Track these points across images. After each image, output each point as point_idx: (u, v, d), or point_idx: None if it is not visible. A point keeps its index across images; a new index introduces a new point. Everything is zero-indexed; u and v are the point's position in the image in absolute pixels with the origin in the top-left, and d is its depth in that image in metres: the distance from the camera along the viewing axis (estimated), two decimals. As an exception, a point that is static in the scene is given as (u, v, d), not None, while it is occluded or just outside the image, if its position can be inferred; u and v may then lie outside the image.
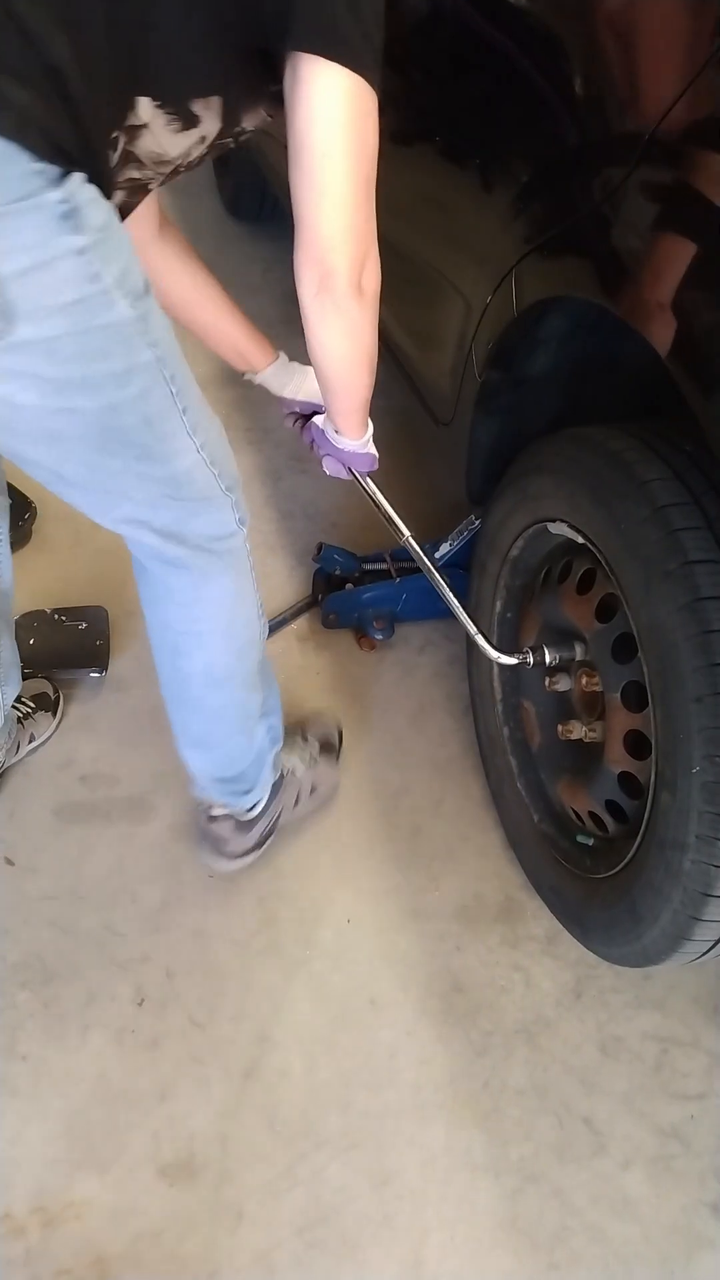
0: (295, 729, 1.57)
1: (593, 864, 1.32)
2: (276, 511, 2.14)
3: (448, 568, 1.85)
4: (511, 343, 1.30)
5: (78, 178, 0.79)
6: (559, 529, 1.28)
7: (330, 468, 1.36)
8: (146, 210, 1.20)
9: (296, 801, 1.52)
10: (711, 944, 1.11)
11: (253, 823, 1.45)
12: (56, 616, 1.83)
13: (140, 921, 1.44)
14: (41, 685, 1.68)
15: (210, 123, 0.98)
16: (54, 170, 0.77)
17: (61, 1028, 1.32)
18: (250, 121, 1.01)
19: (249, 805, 1.43)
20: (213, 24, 0.89)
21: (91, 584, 1.89)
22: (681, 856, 1.06)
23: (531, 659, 1.35)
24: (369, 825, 1.59)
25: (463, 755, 1.71)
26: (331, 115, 0.92)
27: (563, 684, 1.39)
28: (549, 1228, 1.18)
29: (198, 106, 0.94)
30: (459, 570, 1.82)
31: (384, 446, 1.35)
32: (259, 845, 1.48)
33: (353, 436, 1.26)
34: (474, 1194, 1.20)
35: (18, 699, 1.62)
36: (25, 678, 1.61)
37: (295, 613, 1.90)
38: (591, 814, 1.34)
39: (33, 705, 1.63)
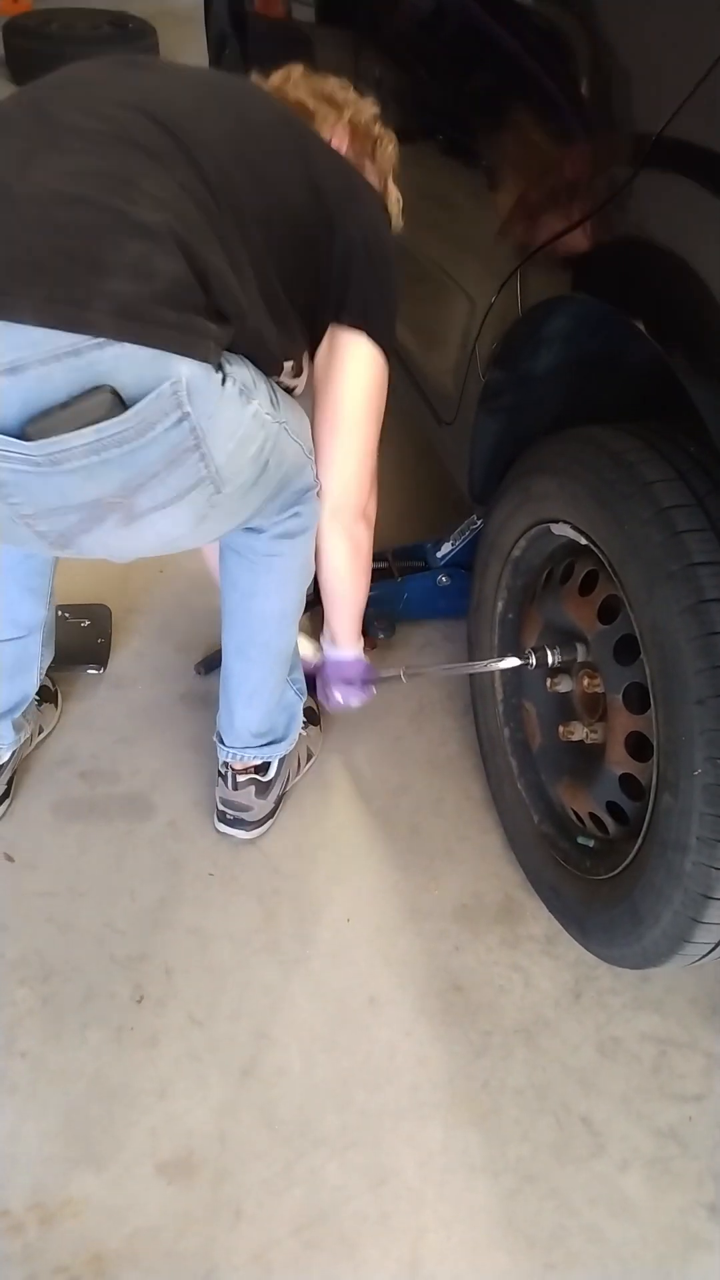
0: None
1: (593, 865, 1.32)
2: (278, 509, 2.13)
3: (449, 567, 1.85)
4: (515, 342, 1.30)
5: (230, 356, 1.01)
6: (561, 530, 1.28)
7: (339, 696, 1.60)
8: None
9: (299, 766, 1.62)
10: (712, 946, 1.11)
11: (269, 785, 1.52)
12: (60, 613, 1.83)
13: (139, 919, 1.43)
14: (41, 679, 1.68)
15: (306, 379, 1.28)
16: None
17: (60, 1025, 1.31)
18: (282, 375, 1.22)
19: (279, 755, 1.51)
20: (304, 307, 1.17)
21: (94, 579, 1.89)
22: (683, 858, 1.06)
23: (534, 660, 1.35)
24: (368, 824, 1.59)
25: (462, 755, 1.71)
26: (362, 384, 1.25)
27: (564, 685, 1.38)
28: (546, 1228, 1.18)
29: (289, 371, 1.21)
30: (460, 570, 1.82)
31: (386, 444, 1.35)
32: (273, 812, 1.55)
33: (348, 644, 1.53)
34: (472, 1194, 1.20)
35: None
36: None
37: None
38: (592, 815, 1.34)
39: (38, 698, 1.63)
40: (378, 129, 1.33)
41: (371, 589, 1.82)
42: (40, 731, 1.64)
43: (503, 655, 1.42)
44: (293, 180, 1.12)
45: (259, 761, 1.50)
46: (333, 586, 1.42)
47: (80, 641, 1.75)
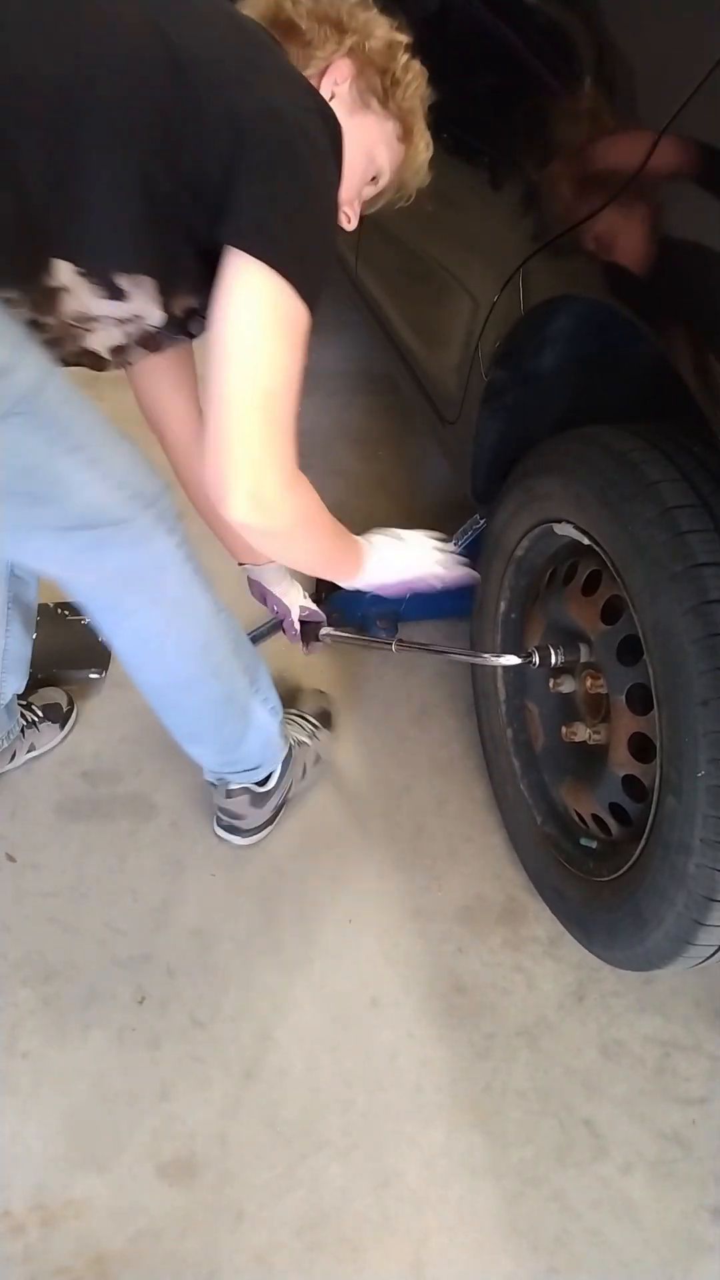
0: (292, 707, 1.63)
1: (596, 867, 1.31)
2: (281, 509, 2.13)
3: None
4: (518, 342, 1.29)
5: None
6: (565, 530, 1.27)
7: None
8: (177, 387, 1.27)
9: (304, 773, 1.57)
10: (715, 949, 1.11)
11: (267, 795, 1.48)
12: (60, 611, 1.83)
13: (141, 919, 1.43)
14: (55, 695, 1.66)
15: (143, 303, 0.98)
16: None
17: (62, 1025, 1.31)
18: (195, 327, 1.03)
19: (262, 779, 1.46)
20: (142, 203, 0.91)
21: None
22: (686, 860, 1.05)
23: (537, 658, 1.34)
24: (371, 825, 1.59)
25: (465, 756, 1.70)
26: (248, 316, 0.92)
27: (567, 686, 1.38)
28: (549, 1231, 1.17)
29: (123, 281, 0.95)
30: (464, 570, 1.81)
31: (390, 444, 1.34)
32: (273, 819, 1.53)
33: (349, 577, 1.24)
34: (474, 1196, 1.20)
35: (28, 706, 1.61)
36: (38, 683, 1.60)
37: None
38: (595, 817, 1.33)
39: (40, 715, 1.62)
40: (398, 61, 1.11)
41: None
42: (31, 750, 1.61)
43: (505, 652, 1.41)
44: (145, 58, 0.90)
45: (242, 785, 1.47)
46: (298, 568, 1.19)
47: (81, 641, 1.75)
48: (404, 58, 1.11)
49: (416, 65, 1.13)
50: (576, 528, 1.23)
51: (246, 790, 1.46)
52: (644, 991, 1.40)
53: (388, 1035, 1.33)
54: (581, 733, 1.34)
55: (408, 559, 1.29)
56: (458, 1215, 1.18)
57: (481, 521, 1.72)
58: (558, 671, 1.39)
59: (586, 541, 1.21)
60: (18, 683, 1.50)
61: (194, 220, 0.93)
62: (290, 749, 1.52)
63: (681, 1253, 1.16)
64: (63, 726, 1.64)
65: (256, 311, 0.92)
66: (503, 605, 1.49)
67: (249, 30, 1.01)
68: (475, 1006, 1.37)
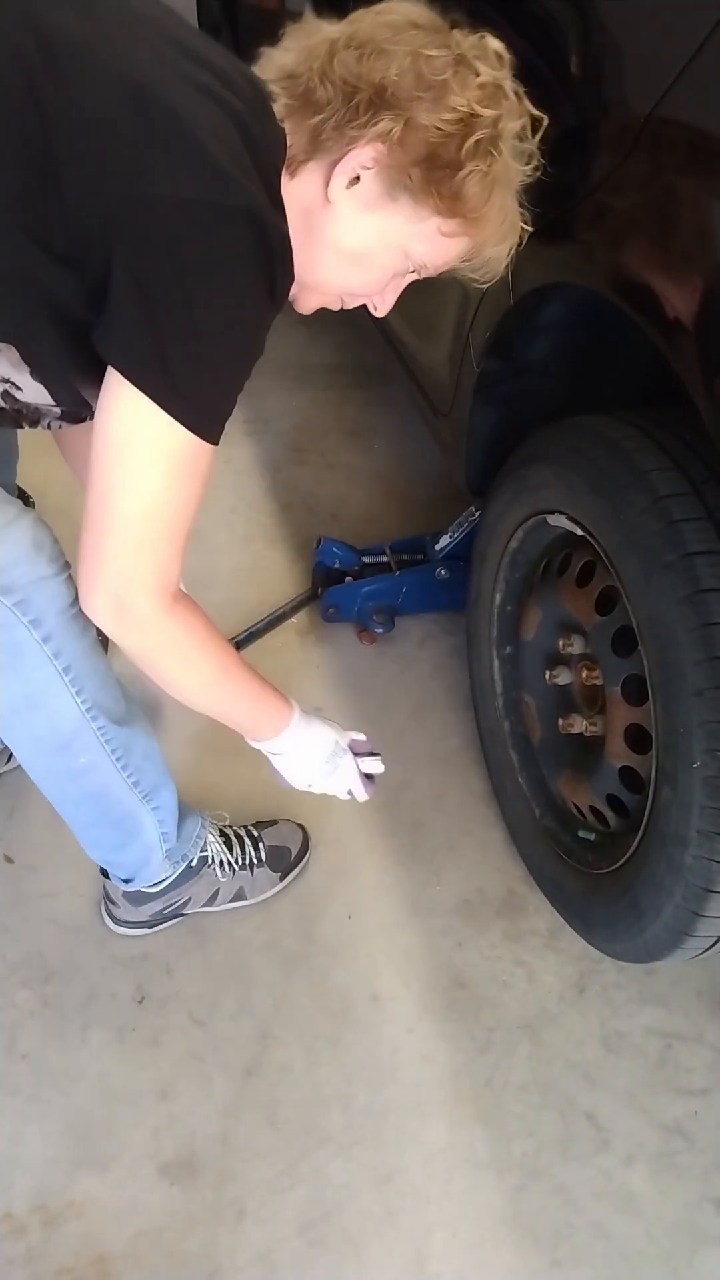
0: (251, 827, 1.46)
1: (594, 859, 1.31)
2: (275, 503, 2.13)
3: (448, 560, 1.84)
4: (509, 331, 1.28)
5: None
6: (558, 520, 1.26)
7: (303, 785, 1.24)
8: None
9: (213, 899, 1.40)
10: (714, 940, 1.10)
11: (147, 898, 1.36)
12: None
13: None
14: None
15: (12, 371, 0.90)
16: None
17: (61, 1026, 1.31)
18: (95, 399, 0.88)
19: (132, 889, 1.35)
20: (8, 281, 0.83)
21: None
22: (683, 852, 1.05)
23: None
24: (370, 819, 1.59)
25: (464, 749, 1.69)
26: (119, 438, 0.84)
27: (563, 677, 1.37)
28: (552, 1225, 1.17)
29: None
30: (459, 562, 1.80)
31: (386, 437, 1.33)
32: (150, 925, 1.39)
33: (261, 736, 1.14)
34: (476, 1191, 1.19)
35: None
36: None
37: (294, 607, 1.89)
38: (593, 809, 1.32)
39: None
40: (466, 142, 0.84)
41: (370, 583, 1.83)
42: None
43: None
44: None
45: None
46: (188, 702, 1.06)
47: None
48: (479, 134, 0.85)
49: (505, 141, 0.87)
50: (570, 518, 1.22)
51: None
52: (645, 983, 1.39)
53: (388, 1031, 1.33)
54: (578, 725, 1.33)
55: (324, 767, 1.20)
56: (460, 1210, 1.18)
57: (476, 514, 1.71)
58: (554, 663, 1.38)
59: (580, 532, 1.20)
60: None
61: (61, 295, 0.83)
62: (192, 865, 1.37)
63: (684, 1244, 1.16)
64: None
65: (128, 436, 0.83)
66: (498, 598, 1.48)
67: (198, 80, 0.83)
68: (476, 1000, 1.37)
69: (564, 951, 1.42)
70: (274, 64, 0.90)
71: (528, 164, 0.91)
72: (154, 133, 0.78)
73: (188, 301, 0.79)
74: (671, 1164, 1.22)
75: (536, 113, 0.90)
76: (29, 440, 1.24)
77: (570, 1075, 1.30)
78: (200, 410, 0.84)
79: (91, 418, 0.89)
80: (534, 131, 0.90)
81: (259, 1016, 1.33)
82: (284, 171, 0.89)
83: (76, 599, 1.01)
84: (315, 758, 1.19)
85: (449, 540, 1.83)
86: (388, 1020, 1.34)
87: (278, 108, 0.88)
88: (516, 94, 0.88)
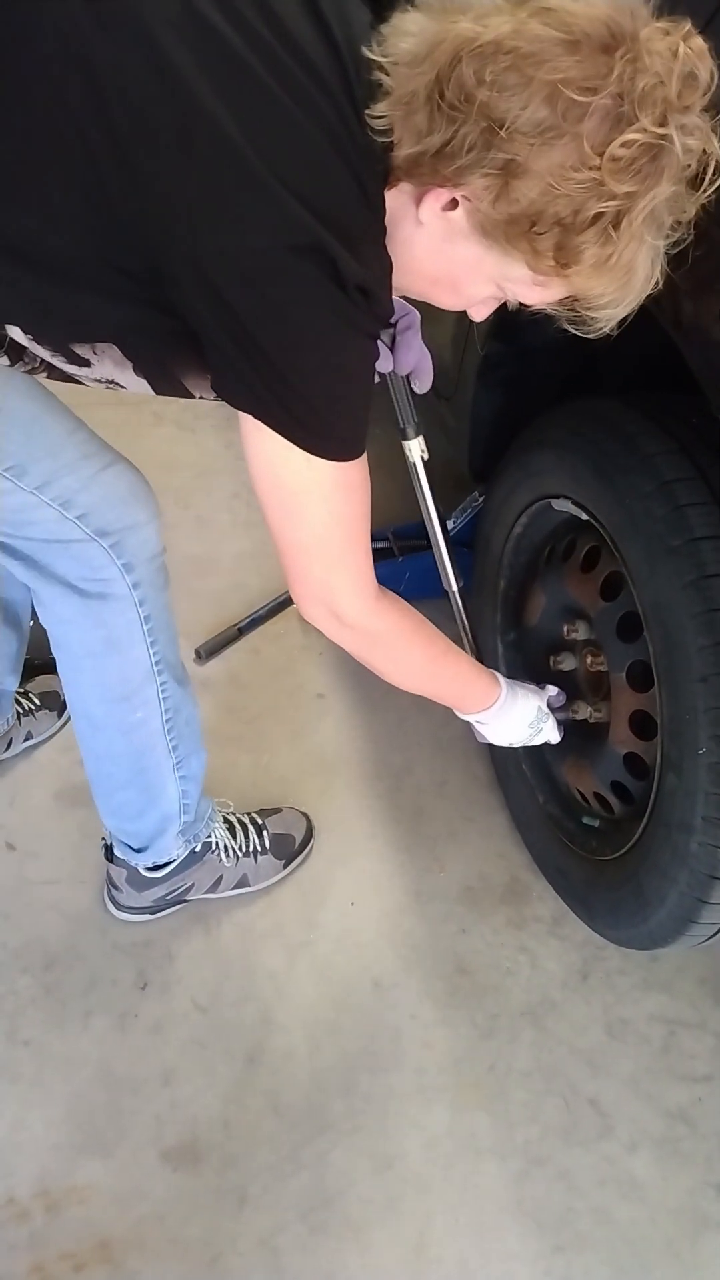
0: (255, 814, 1.46)
1: (598, 846, 1.30)
2: (278, 490, 2.11)
3: (452, 545, 1.82)
4: (513, 313, 1.26)
5: None
6: (563, 505, 1.25)
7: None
8: None
9: (216, 886, 1.40)
10: (718, 927, 1.10)
11: (150, 882, 1.36)
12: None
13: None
14: (53, 683, 1.63)
15: (111, 367, 0.90)
16: None
17: (63, 1013, 1.31)
18: (198, 388, 0.90)
19: (144, 864, 1.34)
20: (98, 291, 0.82)
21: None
22: (688, 839, 1.04)
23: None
24: (372, 806, 1.58)
25: (466, 736, 1.68)
26: (267, 473, 0.86)
27: (567, 663, 1.36)
28: (555, 1210, 1.17)
29: (83, 350, 0.89)
30: (463, 548, 1.79)
31: (388, 422, 1.31)
32: (153, 911, 1.39)
33: (474, 709, 1.22)
34: (479, 1177, 1.19)
35: (24, 693, 1.59)
36: (35, 669, 1.59)
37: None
38: (597, 795, 1.32)
39: (37, 702, 1.60)
40: (587, 207, 0.70)
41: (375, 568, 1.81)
42: (28, 738, 1.58)
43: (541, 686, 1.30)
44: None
45: (124, 858, 1.35)
46: (406, 686, 1.13)
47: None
48: (601, 208, 0.70)
49: (639, 217, 0.71)
50: (574, 503, 1.21)
51: (130, 866, 1.35)
52: (649, 970, 1.39)
53: (390, 1017, 1.33)
54: (583, 711, 1.32)
55: (527, 731, 1.25)
56: (461, 1196, 1.18)
57: (480, 498, 1.70)
58: (558, 649, 1.37)
59: (585, 517, 1.19)
60: (12, 680, 1.48)
61: (149, 309, 0.82)
62: (195, 851, 1.37)
63: (686, 1229, 1.16)
64: (60, 714, 1.63)
65: (277, 474, 0.85)
66: (502, 583, 1.47)
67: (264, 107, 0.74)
68: (478, 987, 1.37)
69: (567, 938, 1.42)
70: (395, 44, 0.74)
71: (668, 237, 0.75)
72: (211, 176, 0.73)
73: (283, 348, 0.77)
74: (675, 1150, 1.22)
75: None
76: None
77: (574, 1062, 1.29)
78: (333, 440, 0.83)
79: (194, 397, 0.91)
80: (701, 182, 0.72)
81: (261, 1003, 1.33)
82: (387, 177, 0.79)
83: (163, 549, 1.12)
84: (519, 725, 1.24)
85: (453, 525, 1.81)
86: (390, 1007, 1.34)
87: (384, 106, 0.74)
88: (692, 147, 0.70)
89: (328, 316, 0.77)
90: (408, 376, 1.14)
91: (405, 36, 0.73)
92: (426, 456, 1.21)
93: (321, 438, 0.82)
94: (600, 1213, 1.17)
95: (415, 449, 1.21)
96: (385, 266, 0.81)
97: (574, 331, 0.83)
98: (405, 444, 1.19)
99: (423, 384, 1.15)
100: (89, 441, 1.06)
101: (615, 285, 0.76)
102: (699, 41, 0.70)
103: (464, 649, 1.27)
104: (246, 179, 0.72)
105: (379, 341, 1.02)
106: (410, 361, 1.12)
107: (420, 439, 1.19)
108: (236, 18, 0.74)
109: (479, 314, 0.92)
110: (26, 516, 1.03)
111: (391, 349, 1.10)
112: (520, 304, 0.85)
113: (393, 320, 1.08)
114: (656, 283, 0.78)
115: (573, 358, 1.36)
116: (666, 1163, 1.21)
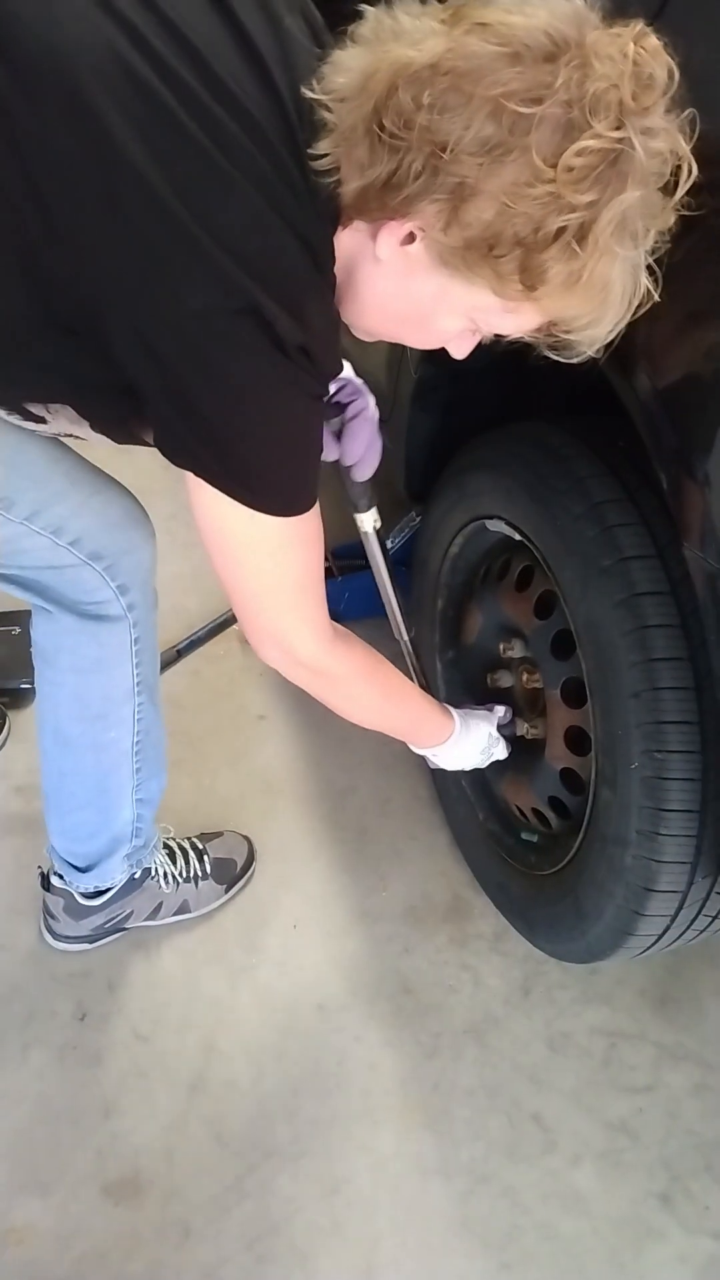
0: (196, 839, 1.45)
1: (537, 861, 1.32)
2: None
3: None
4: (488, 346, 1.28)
5: None
6: (497, 526, 1.27)
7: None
8: None
9: (155, 912, 1.39)
10: (655, 938, 1.12)
11: (88, 910, 1.34)
12: (-11, 622, 1.78)
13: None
14: None
15: (67, 424, 0.92)
16: None
17: (0, 1047, 1.28)
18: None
19: (86, 888, 1.32)
20: (45, 353, 0.82)
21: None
22: (623, 852, 1.06)
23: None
24: (315, 827, 1.58)
25: (408, 755, 1.67)
26: (213, 526, 0.85)
27: (505, 681, 1.38)
28: (500, 1227, 1.17)
29: (37, 409, 0.91)
30: (401, 567, 1.80)
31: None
32: (91, 940, 1.37)
33: (428, 744, 1.23)
34: (425, 1197, 1.19)
35: None
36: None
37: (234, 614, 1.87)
38: (535, 811, 1.34)
39: None
40: (547, 223, 0.67)
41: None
42: None
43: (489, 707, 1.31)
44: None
45: (64, 885, 1.33)
46: (362, 722, 1.14)
47: (10, 652, 1.70)
48: (561, 222, 0.66)
49: (607, 229, 0.67)
50: (508, 524, 1.23)
51: (67, 893, 1.33)
52: (589, 983, 1.40)
53: (335, 1040, 1.32)
54: (519, 727, 1.34)
55: (480, 758, 1.26)
56: (408, 1217, 1.17)
57: (417, 518, 1.71)
58: (495, 666, 1.39)
59: (519, 537, 1.21)
60: None
61: (89, 366, 0.81)
62: (136, 877, 1.35)
63: (630, 1240, 1.17)
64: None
65: (224, 530, 0.84)
66: (440, 602, 1.48)
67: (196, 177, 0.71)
68: (422, 1006, 1.37)
69: (509, 954, 1.43)
70: (333, 80, 0.72)
71: (645, 246, 0.70)
72: (142, 238, 0.71)
73: (221, 411, 0.76)
74: (617, 1161, 1.23)
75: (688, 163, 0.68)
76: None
77: (517, 1078, 1.30)
78: (278, 497, 0.82)
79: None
80: (676, 187, 0.69)
81: (203, 1030, 1.32)
82: (338, 219, 0.76)
83: (154, 568, 1.15)
84: (472, 753, 1.24)
85: (390, 545, 1.82)
86: (334, 1030, 1.33)
87: (327, 144, 0.72)
88: (657, 149, 0.66)
89: (267, 378, 0.75)
90: (350, 467, 1.12)
91: (342, 71, 0.71)
92: (379, 525, 1.22)
93: (265, 497, 0.81)
94: (545, 1228, 1.18)
95: (368, 521, 1.20)
96: (331, 322, 0.79)
97: (556, 358, 0.79)
98: (356, 516, 1.19)
99: (363, 474, 1.14)
100: (76, 468, 1.06)
101: (590, 304, 0.72)
102: (653, 40, 0.66)
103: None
104: (179, 240, 0.70)
105: (325, 429, 1.04)
106: (357, 452, 1.11)
107: (373, 511, 1.19)
108: (166, 70, 0.70)
109: (458, 350, 0.86)
110: (18, 546, 1.03)
111: (338, 438, 1.10)
112: (496, 336, 0.81)
113: (342, 402, 1.09)
114: (644, 298, 0.73)
115: (506, 381, 1.38)
116: (609, 1175, 1.22)
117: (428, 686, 1.34)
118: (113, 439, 0.94)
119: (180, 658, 1.77)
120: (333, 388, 1.06)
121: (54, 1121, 1.22)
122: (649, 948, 1.14)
